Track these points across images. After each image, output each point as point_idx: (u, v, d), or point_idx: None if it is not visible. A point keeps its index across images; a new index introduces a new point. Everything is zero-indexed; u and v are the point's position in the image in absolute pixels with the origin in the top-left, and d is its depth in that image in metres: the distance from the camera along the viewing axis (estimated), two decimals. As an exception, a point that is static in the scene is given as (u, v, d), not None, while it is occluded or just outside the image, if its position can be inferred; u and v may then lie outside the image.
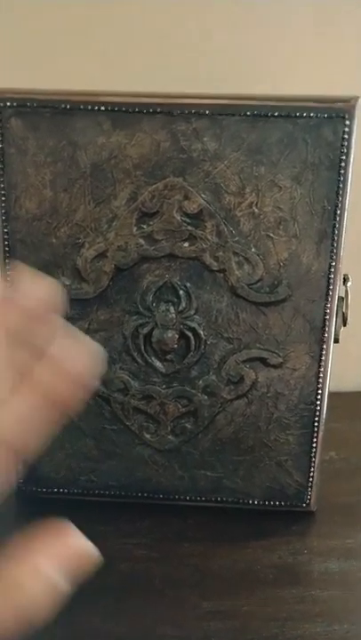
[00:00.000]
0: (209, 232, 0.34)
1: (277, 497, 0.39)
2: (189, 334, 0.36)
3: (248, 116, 0.32)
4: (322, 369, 0.36)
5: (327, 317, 0.35)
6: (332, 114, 0.31)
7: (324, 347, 0.36)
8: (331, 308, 0.35)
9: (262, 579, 0.35)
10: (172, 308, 0.35)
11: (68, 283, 0.35)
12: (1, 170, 0.34)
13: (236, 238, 0.34)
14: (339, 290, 0.35)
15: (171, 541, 0.37)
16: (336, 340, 0.36)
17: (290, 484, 0.38)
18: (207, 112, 0.32)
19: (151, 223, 0.34)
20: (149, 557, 0.36)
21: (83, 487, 0.39)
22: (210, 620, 0.32)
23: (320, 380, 0.36)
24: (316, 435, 0.37)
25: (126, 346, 0.36)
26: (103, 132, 0.32)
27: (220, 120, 0.32)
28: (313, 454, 0.38)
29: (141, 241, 0.34)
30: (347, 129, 0.32)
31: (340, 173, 0.32)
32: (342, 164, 0.32)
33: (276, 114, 0.32)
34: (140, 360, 0.36)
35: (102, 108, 0.32)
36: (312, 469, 0.38)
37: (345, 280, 0.37)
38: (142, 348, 0.36)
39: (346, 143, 0.32)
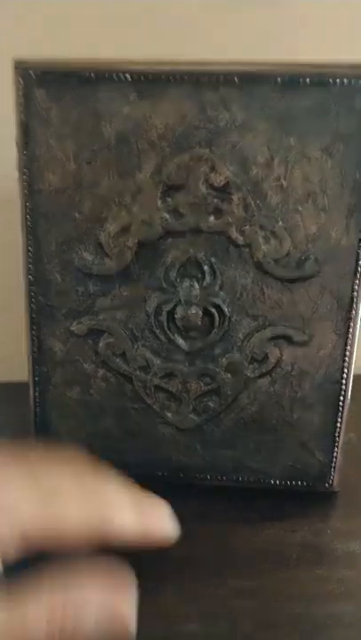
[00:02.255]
0: (235, 205, 0.33)
1: (300, 477, 0.38)
2: (213, 311, 0.35)
3: (278, 83, 0.31)
4: (348, 347, 0.35)
5: (355, 294, 0.34)
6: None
7: (351, 324, 0.35)
8: (360, 285, 0.34)
9: (286, 558, 0.34)
10: (196, 284, 0.35)
11: (90, 258, 0.35)
12: (25, 142, 0.33)
13: (264, 212, 0.33)
14: (367, 265, 0.34)
15: (193, 521, 0.36)
16: (363, 319, 0.36)
17: (313, 464, 0.38)
18: (236, 79, 0.31)
19: (176, 196, 0.33)
20: (172, 536, 0.36)
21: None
22: (234, 598, 0.32)
23: (346, 359, 0.35)
24: (340, 414, 0.37)
25: (149, 323, 0.36)
26: (128, 101, 0.32)
27: (248, 88, 0.31)
28: (337, 434, 0.37)
29: (166, 215, 0.33)
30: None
31: (371, 146, 0.31)
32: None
33: (307, 80, 0.31)
34: (162, 337, 0.36)
35: (128, 77, 0.31)
36: (336, 450, 0.37)
37: (372, 257, 0.36)
38: (165, 325, 0.35)
39: (377, 113, 0.31)
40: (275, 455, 0.38)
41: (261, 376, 0.36)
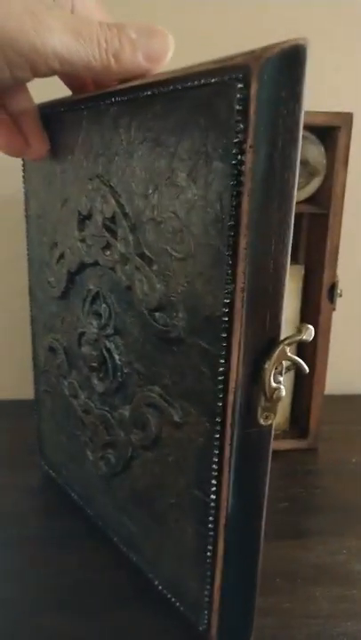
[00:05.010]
0: (119, 241, 0.28)
1: (177, 595, 0.29)
2: (106, 356, 0.31)
3: (147, 97, 0.25)
4: (217, 451, 0.24)
5: (222, 379, 0.24)
6: (224, 77, 0.21)
7: (221, 420, 0.24)
8: (229, 366, 0.23)
9: (302, 578, 0.33)
10: (95, 322, 0.32)
11: (50, 280, 0.37)
12: (23, 175, 0.38)
13: (141, 250, 0.27)
14: (244, 337, 0.23)
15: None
16: (256, 426, 0.24)
17: (187, 591, 0.28)
18: (118, 99, 0.27)
19: (87, 226, 0.31)
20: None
21: (64, 478, 0.41)
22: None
23: (216, 466, 0.25)
24: (213, 540, 0.26)
25: (76, 353, 0.35)
26: (56, 135, 0.32)
27: (131, 107, 0.26)
28: (209, 567, 0.26)
29: (79, 245, 0.32)
30: (240, 95, 0.20)
31: (234, 165, 0.21)
32: (234, 152, 0.21)
33: (170, 88, 0.24)
34: (84, 371, 0.35)
35: (59, 110, 0.32)
36: (208, 590, 0.27)
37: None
38: (84, 358, 0.34)
39: (242, 118, 0.21)
40: (159, 553, 0.30)
41: (144, 448, 0.30)
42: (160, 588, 0.31)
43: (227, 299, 0.23)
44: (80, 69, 0.26)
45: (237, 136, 0.21)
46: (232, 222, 0.22)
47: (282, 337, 0.23)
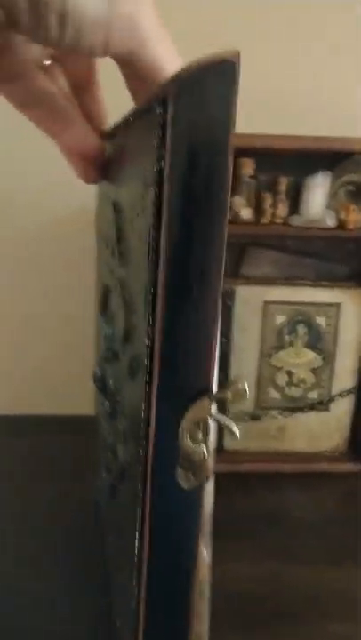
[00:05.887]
0: (115, 267, 0.28)
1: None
2: (105, 379, 0.31)
3: (129, 121, 0.24)
4: (141, 505, 0.22)
5: (143, 426, 0.21)
6: (153, 101, 0.19)
7: (142, 470, 0.22)
8: (149, 415, 0.21)
9: None
10: (104, 344, 0.32)
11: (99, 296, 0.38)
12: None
13: (123, 277, 0.26)
14: (163, 386, 0.20)
15: (279, 563, 0.37)
16: (176, 486, 0.21)
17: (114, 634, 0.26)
18: (119, 126, 0.27)
19: (108, 249, 0.32)
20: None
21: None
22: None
23: (139, 520, 0.22)
24: (137, 598, 0.24)
25: (103, 369, 0.36)
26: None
27: (123, 134, 0.26)
28: (135, 626, 0.24)
29: (105, 268, 0.33)
30: (160, 120, 0.18)
31: (157, 196, 0.19)
32: (157, 180, 0.19)
33: (141, 111, 0.22)
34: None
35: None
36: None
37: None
38: (104, 376, 0.35)
39: (161, 144, 0.19)
40: (115, 592, 0.29)
41: (117, 480, 0.29)
42: (115, 625, 0.29)
43: (148, 340, 0.21)
44: (137, 70, 0.23)
45: (159, 164, 0.19)
46: (153, 257, 0.20)
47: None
